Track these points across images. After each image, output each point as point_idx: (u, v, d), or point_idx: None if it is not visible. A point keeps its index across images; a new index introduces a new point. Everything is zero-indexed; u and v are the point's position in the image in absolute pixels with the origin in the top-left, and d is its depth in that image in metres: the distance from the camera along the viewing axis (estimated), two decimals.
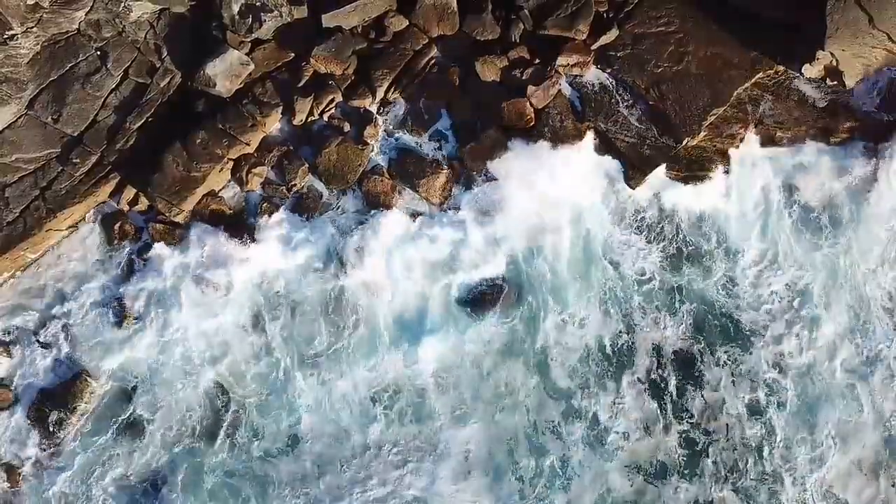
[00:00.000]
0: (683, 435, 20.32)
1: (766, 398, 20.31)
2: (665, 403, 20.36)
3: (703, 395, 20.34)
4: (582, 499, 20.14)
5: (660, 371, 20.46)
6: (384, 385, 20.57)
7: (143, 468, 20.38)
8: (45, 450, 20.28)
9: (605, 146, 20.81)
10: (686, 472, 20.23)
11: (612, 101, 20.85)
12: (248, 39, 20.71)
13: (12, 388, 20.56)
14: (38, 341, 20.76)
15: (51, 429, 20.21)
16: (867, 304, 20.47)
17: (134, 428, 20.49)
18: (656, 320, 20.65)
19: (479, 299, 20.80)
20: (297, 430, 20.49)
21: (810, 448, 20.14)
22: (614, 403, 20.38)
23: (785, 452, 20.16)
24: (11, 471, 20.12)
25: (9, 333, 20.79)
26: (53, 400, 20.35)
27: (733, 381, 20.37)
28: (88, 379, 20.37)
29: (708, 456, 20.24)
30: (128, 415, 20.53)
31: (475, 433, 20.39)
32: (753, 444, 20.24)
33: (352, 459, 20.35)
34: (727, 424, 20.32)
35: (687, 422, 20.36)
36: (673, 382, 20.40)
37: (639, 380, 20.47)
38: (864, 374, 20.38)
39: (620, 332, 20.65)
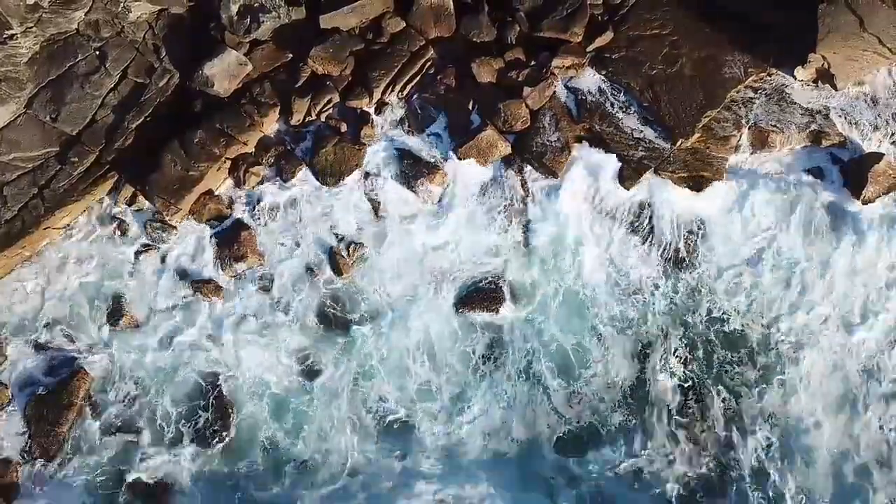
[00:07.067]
0: None
1: None
2: None
3: None
4: None
5: None
6: None
7: None
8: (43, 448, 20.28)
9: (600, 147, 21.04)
10: None
11: (607, 102, 21.06)
12: (247, 40, 20.86)
13: (8, 386, 20.57)
14: (34, 340, 20.77)
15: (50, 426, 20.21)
16: None
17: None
18: None
19: None
20: None
21: None
22: None
23: None
24: (9, 466, 20.10)
25: (4, 331, 20.81)
26: (49, 398, 20.32)
27: None
28: (84, 376, 20.41)
29: None
30: None
31: None
32: None
33: None
34: None
35: None
36: None
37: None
38: None
39: None
